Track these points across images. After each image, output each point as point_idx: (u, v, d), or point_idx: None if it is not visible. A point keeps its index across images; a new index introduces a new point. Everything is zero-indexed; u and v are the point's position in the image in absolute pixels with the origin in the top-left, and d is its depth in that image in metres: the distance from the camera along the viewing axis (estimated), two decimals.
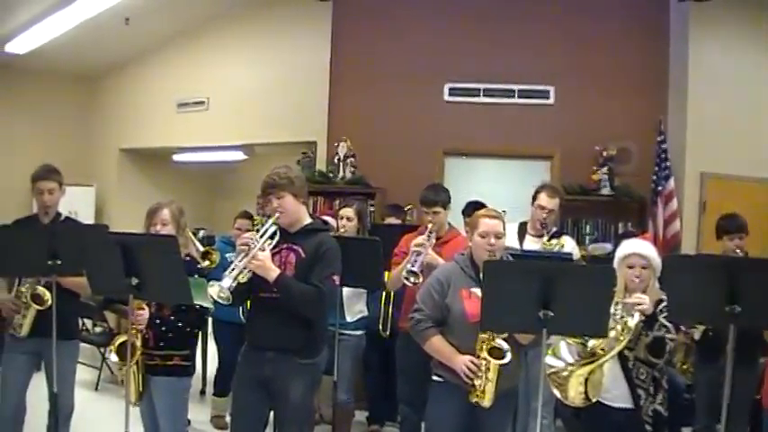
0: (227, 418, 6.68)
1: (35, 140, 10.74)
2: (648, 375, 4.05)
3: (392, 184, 7.87)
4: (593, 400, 3.88)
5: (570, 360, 3.93)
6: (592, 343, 3.90)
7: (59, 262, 4.33)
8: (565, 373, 3.90)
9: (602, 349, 3.87)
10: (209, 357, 7.75)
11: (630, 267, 4.10)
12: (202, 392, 7.71)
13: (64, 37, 9.37)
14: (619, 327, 3.86)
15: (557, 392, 3.93)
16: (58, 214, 4.96)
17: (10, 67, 10.55)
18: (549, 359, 3.97)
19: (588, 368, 3.85)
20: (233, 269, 3.89)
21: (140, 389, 4.28)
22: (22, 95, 10.93)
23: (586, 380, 3.84)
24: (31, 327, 4.76)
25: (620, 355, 3.97)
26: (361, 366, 6.26)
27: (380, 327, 6.05)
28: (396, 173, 7.88)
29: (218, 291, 3.80)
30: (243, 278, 3.91)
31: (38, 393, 5.05)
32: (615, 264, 4.21)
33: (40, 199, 4.87)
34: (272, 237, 4.08)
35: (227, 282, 3.81)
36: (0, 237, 4.46)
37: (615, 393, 4.05)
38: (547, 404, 4.96)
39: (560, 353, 3.98)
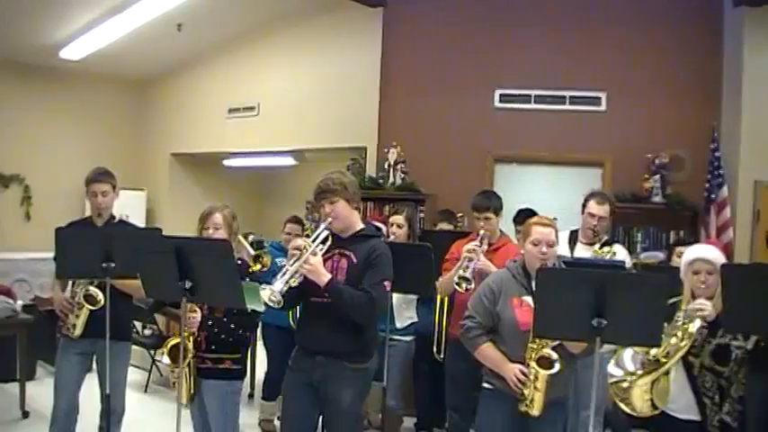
0: (276, 422, 6.73)
1: (88, 145, 10.97)
2: (714, 384, 3.94)
3: (442, 190, 7.84)
4: (661, 409, 3.82)
5: (631, 369, 3.88)
6: (654, 351, 3.84)
7: (113, 264, 4.38)
8: (625, 384, 3.85)
9: (665, 357, 3.81)
10: (257, 361, 7.79)
11: (696, 273, 4.02)
12: (251, 396, 7.75)
13: (117, 43, 9.54)
14: (680, 333, 3.80)
15: (622, 406, 3.89)
16: (112, 217, 5.02)
17: (64, 74, 10.77)
18: (611, 368, 3.94)
19: (649, 378, 3.80)
20: (284, 273, 3.90)
21: (191, 391, 4.31)
22: (76, 101, 11.16)
23: (651, 388, 3.79)
24: (84, 327, 4.81)
25: (685, 362, 3.91)
26: (411, 372, 6.24)
27: (436, 329, 6.01)
28: (445, 179, 7.85)
29: (269, 294, 3.80)
30: (294, 282, 3.91)
31: (90, 394, 5.11)
32: (681, 270, 4.15)
33: (94, 201, 4.93)
34: (324, 242, 4.09)
35: (279, 285, 3.82)
36: (56, 239, 4.51)
37: (681, 404, 3.96)
38: (595, 414, 4.90)
39: (623, 361, 3.94)
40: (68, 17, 9.01)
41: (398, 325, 5.69)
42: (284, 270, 3.93)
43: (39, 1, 8.54)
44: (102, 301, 4.57)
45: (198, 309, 4.18)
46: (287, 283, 3.86)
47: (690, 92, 7.55)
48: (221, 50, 10.42)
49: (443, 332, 5.96)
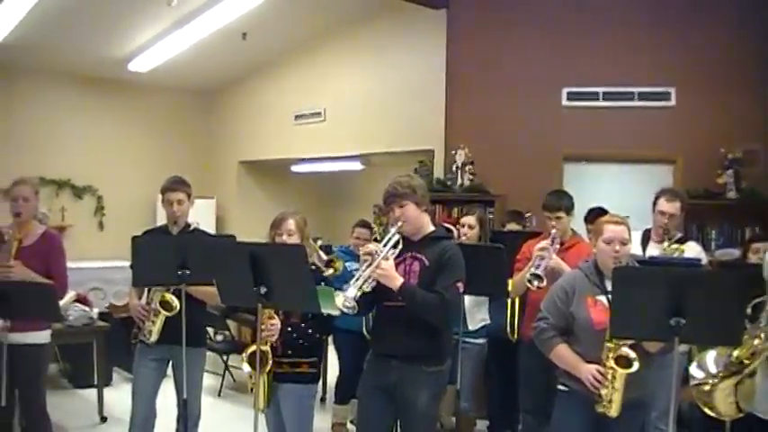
0: (349, 426, 6.76)
1: (158, 155, 11.19)
2: None
3: (511, 191, 7.78)
4: (746, 411, 3.75)
5: (714, 371, 3.81)
6: (737, 352, 3.76)
7: (188, 271, 4.43)
8: (707, 388, 3.78)
9: (749, 358, 3.73)
10: (329, 365, 7.83)
11: None
12: (322, 400, 7.76)
13: (183, 54, 9.69)
14: (763, 334, 3.72)
15: (705, 410, 3.82)
16: (187, 225, 5.07)
17: (133, 86, 10.99)
18: (693, 370, 3.87)
19: (732, 380, 3.72)
20: (357, 279, 3.90)
21: (268, 396, 4.34)
22: (145, 112, 11.38)
23: (735, 391, 3.71)
24: (160, 334, 4.86)
25: None
26: (483, 374, 6.21)
27: (508, 330, 5.94)
28: (514, 180, 7.79)
29: (342, 301, 3.81)
30: (367, 287, 3.90)
31: (167, 399, 5.18)
32: (765, 269, 4.06)
33: (170, 209, 4.98)
34: (395, 246, 4.07)
35: (352, 291, 3.82)
36: (132, 247, 4.57)
37: (766, 407, 3.89)
38: (664, 415, 4.81)
39: (706, 363, 3.87)
40: (136, 31, 9.19)
41: (471, 327, 5.66)
42: (357, 276, 3.93)
43: (107, 16, 8.74)
44: (178, 308, 4.63)
45: (276, 316, 4.21)
46: (360, 288, 3.86)
47: (762, 84, 7.39)
48: (286, 58, 10.52)
49: (515, 333, 5.92)
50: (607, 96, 7.81)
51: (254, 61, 10.73)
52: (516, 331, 5.82)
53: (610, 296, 3.84)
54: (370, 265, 3.94)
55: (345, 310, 3.83)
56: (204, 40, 9.22)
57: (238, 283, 3.81)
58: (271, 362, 4.18)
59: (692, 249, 5.40)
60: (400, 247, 4.10)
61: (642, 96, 7.71)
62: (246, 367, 4.28)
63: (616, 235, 4.03)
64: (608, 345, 3.83)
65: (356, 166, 10.71)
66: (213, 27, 8.80)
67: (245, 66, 10.92)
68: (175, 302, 4.64)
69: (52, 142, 10.48)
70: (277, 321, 4.18)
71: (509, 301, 5.79)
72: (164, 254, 4.53)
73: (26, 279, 4.64)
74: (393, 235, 4.07)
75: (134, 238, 4.61)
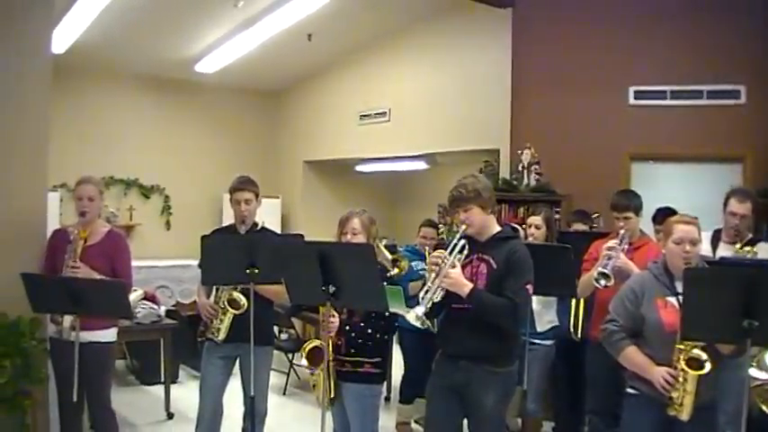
0: (413, 425, 6.75)
1: (224, 155, 11.29)
2: None
3: (577, 190, 7.70)
4: None
5: None
6: None
7: (257, 270, 4.47)
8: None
9: None
10: (393, 364, 7.83)
11: None
12: (387, 399, 7.77)
13: (249, 55, 9.79)
14: None
15: (766, 409, 3.74)
16: (255, 224, 5.11)
17: (200, 86, 11.12)
18: (753, 371, 3.80)
19: None
20: (426, 291, 3.87)
21: (331, 394, 4.35)
22: (212, 112, 11.50)
23: None
24: (228, 332, 4.91)
25: None
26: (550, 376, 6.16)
27: (572, 331, 5.88)
28: (581, 179, 7.70)
29: (414, 317, 3.79)
30: (437, 298, 3.88)
31: (234, 396, 5.23)
32: None
33: (237, 209, 5.02)
34: (461, 251, 4.04)
35: (422, 309, 3.79)
36: (201, 246, 4.63)
37: None
38: (733, 420, 4.70)
39: (766, 364, 3.80)
40: (203, 32, 9.30)
41: (539, 328, 5.59)
42: (426, 288, 3.90)
43: (175, 18, 8.86)
44: (246, 306, 4.68)
45: (336, 313, 4.22)
46: (430, 301, 3.84)
47: None
48: (351, 58, 10.57)
49: (578, 333, 5.85)
50: (675, 95, 7.70)
51: (320, 61, 10.78)
52: (580, 331, 5.77)
53: (680, 297, 3.78)
54: (437, 275, 3.91)
55: (418, 325, 3.83)
56: (270, 41, 9.30)
57: (307, 282, 3.82)
58: (329, 358, 4.20)
59: (765, 250, 5.29)
60: (466, 251, 4.07)
61: (711, 95, 7.57)
62: (304, 361, 4.32)
63: (686, 235, 3.97)
64: (679, 347, 3.77)
65: (421, 165, 10.69)
66: (279, 28, 8.88)
67: (310, 66, 10.97)
68: (243, 301, 4.70)
69: (121, 142, 10.63)
70: (336, 318, 4.20)
71: (573, 301, 5.74)
72: (233, 253, 4.57)
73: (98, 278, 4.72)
74: (458, 240, 4.04)
75: (203, 238, 4.66)
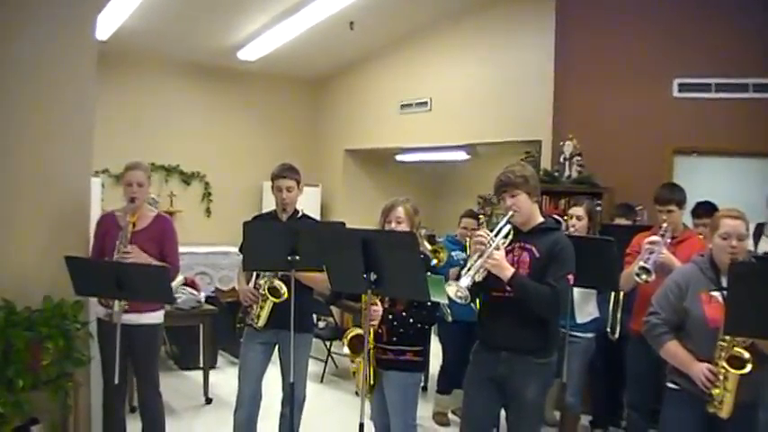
0: (450, 416, 6.75)
1: (265, 143, 11.35)
2: None
3: (619, 183, 7.60)
4: None
5: None
6: None
7: (298, 258, 4.49)
8: None
9: None
10: (431, 354, 7.82)
11: None
12: (424, 389, 7.75)
13: (291, 43, 9.80)
14: None
15: None
16: (296, 211, 5.13)
17: (242, 74, 11.16)
18: None
19: None
20: (470, 268, 3.88)
21: (371, 382, 4.36)
22: (253, 100, 11.55)
23: None
24: (268, 318, 4.93)
25: None
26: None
27: (609, 330, 5.83)
28: (623, 172, 7.62)
29: (455, 290, 3.79)
30: (479, 277, 3.88)
31: (273, 382, 5.26)
32: None
33: (279, 196, 5.04)
34: (506, 236, 4.04)
35: (466, 281, 3.80)
36: (243, 232, 4.65)
37: None
38: None
39: None
40: (245, 20, 9.31)
41: (579, 320, 5.54)
42: (469, 265, 3.91)
43: (217, 5, 8.88)
44: (286, 294, 4.71)
45: (378, 302, 4.22)
46: (473, 278, 3.84)
47: None
48: (393, 47, 10.53)
49: (615, 331, 5.80)
50: (720, 88, 7.55)
51: (361, 50, 10.77)
52: (618, 328, 5.72)
53: (725, 292, 3.73)
54: (481, 255, 3.91)
55: (457, 299, 3.82)
56: (312, 29, 9.29)
57: (349, 270, 3.82)
58: (371, 346, 4.20)
59: None
60: (511, 237, 4.06)
61: (757, 88, 7.41)
62: (346, 349, 4.34)
63: (733, 230, 3.92)
64: (721, 343, 3.72)
65: (461, 156, 10.66)
66: (321, 16, 8.85)
67: (351, 55, 10.97)
68: (283, 289, 4.73)
69: (162, 129, 10.70)
70: (379, 307, 4.21)
71: (613, 297, 5.69)
72: (274, 239, 4.60)
73: (143, 263, 4.76)
74: (504, 224, 4.03)
75: (245, 224, 4.69)
